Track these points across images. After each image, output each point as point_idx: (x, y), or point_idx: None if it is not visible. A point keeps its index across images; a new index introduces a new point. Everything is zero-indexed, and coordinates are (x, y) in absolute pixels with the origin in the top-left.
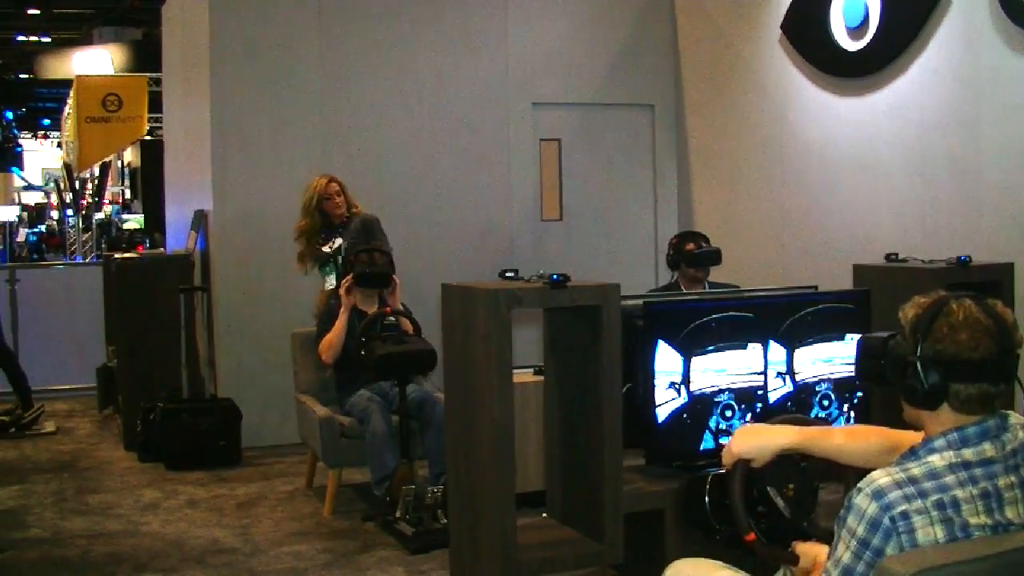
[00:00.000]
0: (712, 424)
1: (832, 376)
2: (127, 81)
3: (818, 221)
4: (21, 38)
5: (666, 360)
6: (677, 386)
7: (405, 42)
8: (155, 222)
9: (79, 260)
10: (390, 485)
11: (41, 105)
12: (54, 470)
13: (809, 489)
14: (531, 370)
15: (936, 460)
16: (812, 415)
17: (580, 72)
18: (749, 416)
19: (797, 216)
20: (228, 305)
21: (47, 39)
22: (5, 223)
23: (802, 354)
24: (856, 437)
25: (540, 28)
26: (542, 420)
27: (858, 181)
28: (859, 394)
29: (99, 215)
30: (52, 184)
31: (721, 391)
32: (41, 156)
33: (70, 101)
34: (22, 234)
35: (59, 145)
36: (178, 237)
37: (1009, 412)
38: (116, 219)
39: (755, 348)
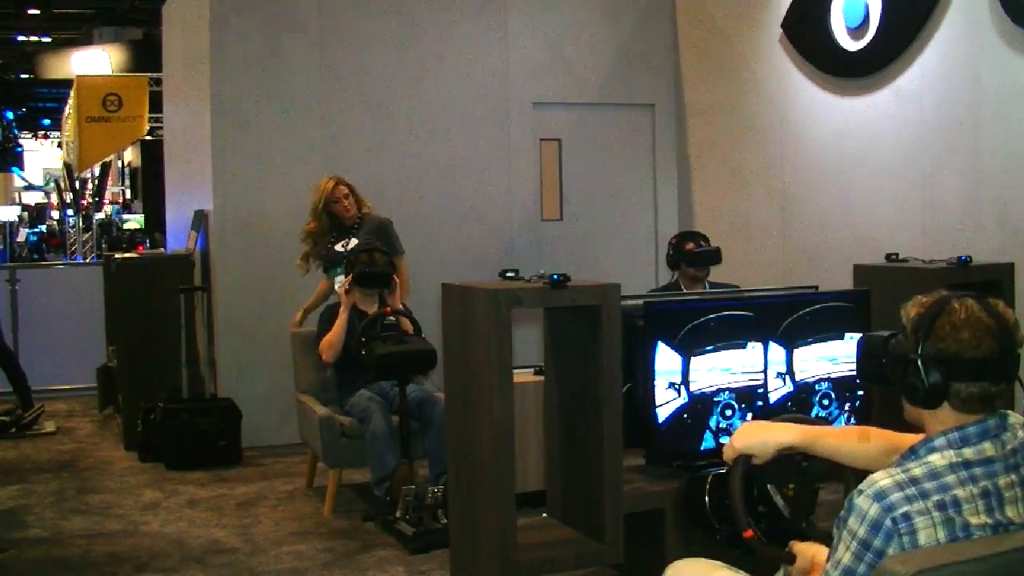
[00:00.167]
0: (712, 424)
1: (832, 376)
2: (127, 81)
3: (818, 221)
4: (21, 38)
5: (666, 360)
6: (677, 386)
7: (405, 41)
8: (155, 222)
9: (79, 260)
10: (390, 485)
11: (41, 105)
12: (54, 470)
13: (809, 490)
14: (531, 370)
15: (936, 459)
16: (812, 415)
17: (580, 72)
18: (749, 416)
19: (797, 216)
20: (228, 305)
21: (47, 39)
22: (5, 223)
23: (802, 354)
24: (858, 438)
25: (540, 28)
26: (542, 420)
27: (858, 181)
28: (859, 394)
29: (99, 215)
30: (52, 184)
31: (721, 391)
32: (41, 156)
33: (70, 101)
34: (22, 234)
35: (59, 145)
36: (178, 237)
37: (1009, 412)
38: (116, 219)
39: (755, 348)
